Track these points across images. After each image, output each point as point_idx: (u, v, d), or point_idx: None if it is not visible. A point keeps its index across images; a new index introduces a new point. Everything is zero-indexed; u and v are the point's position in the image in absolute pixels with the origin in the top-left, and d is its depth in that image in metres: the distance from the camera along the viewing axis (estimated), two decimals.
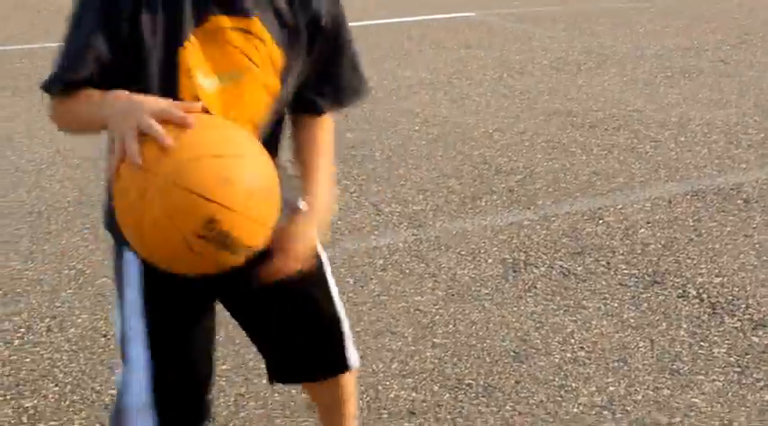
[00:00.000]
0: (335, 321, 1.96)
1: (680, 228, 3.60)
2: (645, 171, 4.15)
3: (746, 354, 2.75)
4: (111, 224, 1.71)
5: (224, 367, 2.75)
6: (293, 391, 2.62)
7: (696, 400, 2.55)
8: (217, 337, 2.87)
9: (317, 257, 1.91)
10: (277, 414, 2.53)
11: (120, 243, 1.75)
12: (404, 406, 2.56)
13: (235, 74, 1.68)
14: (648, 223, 3.64)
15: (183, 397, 1.84)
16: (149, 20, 1.63)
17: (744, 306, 3.02)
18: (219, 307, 2.79)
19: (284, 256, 1.75)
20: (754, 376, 2.64)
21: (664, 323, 2.94)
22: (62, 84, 1.64)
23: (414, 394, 2.61)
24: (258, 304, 1.91)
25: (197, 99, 1.64)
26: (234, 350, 2.84)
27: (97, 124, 1.61)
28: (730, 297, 3.07)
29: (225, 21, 1.66)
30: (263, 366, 2.72)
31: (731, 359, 2.73)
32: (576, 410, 2.52)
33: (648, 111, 4.93)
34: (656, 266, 3.30)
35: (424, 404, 2.56)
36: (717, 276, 3.22)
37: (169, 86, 1.65)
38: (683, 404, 2.53)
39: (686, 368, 2.70)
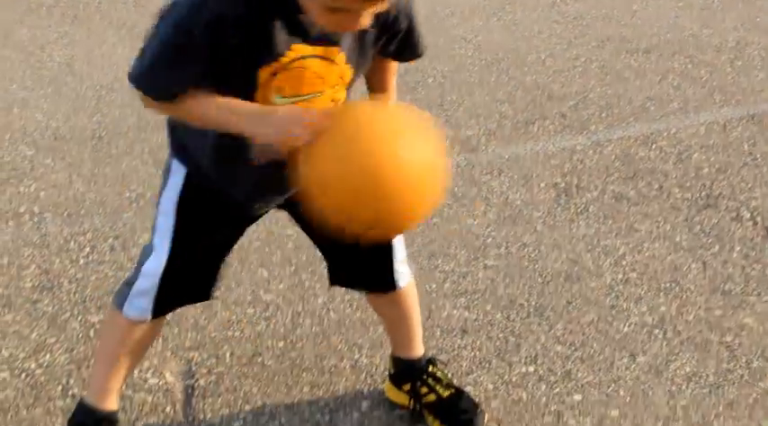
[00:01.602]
0: (383, 245, 2.08)
1: (734, 152, 3.58)
2: (700, 96, 4.12)
3: None
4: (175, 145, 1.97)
5: (281, 286, 2.83)
6: (348, 310, 2.69)
7: (748, 320, 2.57)
8: (273, 257, 2.96)
9: None
10: (333, 331, 2.60)
11: (172, 156, 1.98)
12: (456, 325, 2.61)
13: (308, 96, 1.81)
14: (702, 147, 3.63)
15: (184, 293, 2.05)
16: (231, 48, 1.71)
17: None
18: (271, 227, 2.86)
19: None
20: None
21: (716, 246, 2.95)
22: (158, 95, 1.78)
23: (466, 314, 2.66)
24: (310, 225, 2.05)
25: None
26: (291, 270, 2.91)
27: (229, 128, 1.76)
28: None
29: (306, 49, 1.75)
30: (319, 286, 2.81)
31: None
32: (626, 329, 2.55)
33: (704, 36, 4.85)
34: (710, 190, 3.30)
35: (476, 323, 2.61)
36: None
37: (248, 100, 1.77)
38: (735, 324, 2.55)
39: (738, 289, 2.71)
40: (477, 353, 2.49)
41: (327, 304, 2.73)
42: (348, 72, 1.84)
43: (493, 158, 3.62)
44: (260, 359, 2.49)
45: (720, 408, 2.23)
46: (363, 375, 2.41)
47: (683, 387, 2.36)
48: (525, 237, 3.05)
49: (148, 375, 2.43)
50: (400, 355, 2.30)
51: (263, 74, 1.75)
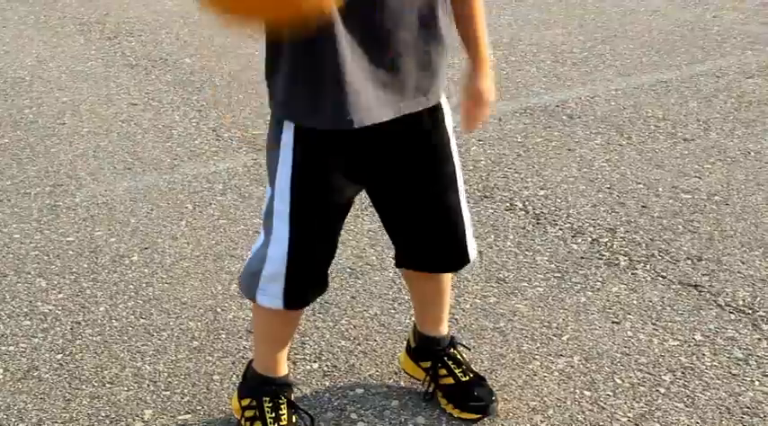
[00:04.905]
0: (460, 220, 2.08)
1: (509, 145, 3.74)
2: None
3: (566, 260, 2.92)
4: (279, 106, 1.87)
5: (60, 296, 2.74)
6: (131, 317, 2.64)
7: (519, 305, 2.70)
8: (52, 266, 2.87)
9: (453, 165, 2.05)
10: (114, 340, 2.55)
11: (281, 127, 1.88)
12: (242, 326, 2.61)
13: None
14: (480, 140, 3.77)
15: (311, 271, 2.00)
16: None
17: (565, 215, 3.19)
18: (50, 235, 2.76)
19: (480, 106, 2.03)
20: (573, 280, 2.81)
21: (492, 236, 3.08)
22: None
23: (251, 314, 2.66)
24: (394, 198, 2.03)
25: None
26: (71, 279, 2.83)
27: None
28: (553, 208, 3.24)
29: None
30: (101, 293, 2.74)
31: (552, 265, 2.90)
32: (408, 320, 2.63)
33: None
34: (486, 181, 3.44)
35: None
36: (541, 189, 3.38)
37: None
38: (508, 310, 2.67)
39: (511, 277, 2.84)
40: None
41: (109, 312, 2.67)
42: None
43: None
44: (36, 373, 2.41)
45: (495, 390, 2.33)
46: (146, 382, 2.38)
47: None
48: None
49: None
50: (426, 332, 2.30)
51: None
